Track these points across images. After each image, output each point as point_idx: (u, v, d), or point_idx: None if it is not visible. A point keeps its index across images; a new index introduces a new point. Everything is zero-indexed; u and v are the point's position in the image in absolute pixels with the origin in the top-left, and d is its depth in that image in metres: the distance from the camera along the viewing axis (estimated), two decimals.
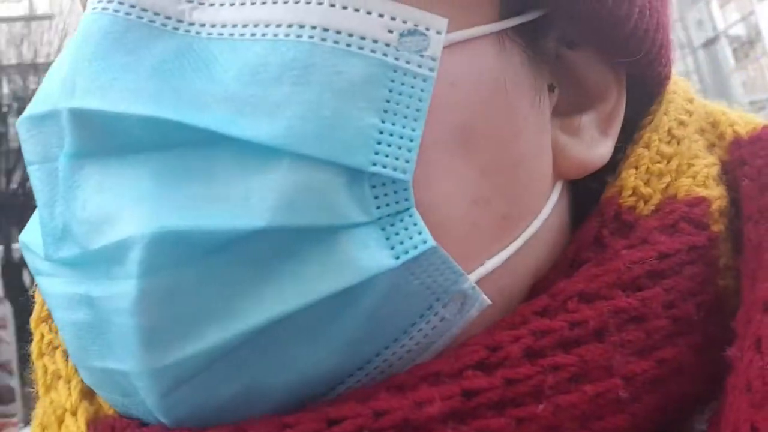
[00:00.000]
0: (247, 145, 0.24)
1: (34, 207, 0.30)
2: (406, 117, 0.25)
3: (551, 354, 0.27)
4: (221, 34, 0.26)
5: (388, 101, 0.25)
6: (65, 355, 0.32)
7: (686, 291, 0.29)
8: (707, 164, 0.33)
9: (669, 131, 0.33)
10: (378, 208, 0.25)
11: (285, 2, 0.26)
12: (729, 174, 0.34)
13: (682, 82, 0.37)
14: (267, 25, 0.26)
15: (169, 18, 0.27)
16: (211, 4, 0.27)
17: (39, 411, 0.34)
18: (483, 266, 0.28)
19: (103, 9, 0.26)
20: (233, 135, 0.24)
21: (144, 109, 0.25)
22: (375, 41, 0.25)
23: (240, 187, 0.24)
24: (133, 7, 0.26)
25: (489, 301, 0.27)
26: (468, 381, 0.26)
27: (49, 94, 0.26)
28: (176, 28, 0.27)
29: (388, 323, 0.26)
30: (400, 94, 0.25)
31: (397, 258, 0.25)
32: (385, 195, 0.25)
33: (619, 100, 0.32)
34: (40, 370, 0.33)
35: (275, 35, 0.25)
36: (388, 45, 0.25)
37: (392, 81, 0.25)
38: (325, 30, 0.25)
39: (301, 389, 0.26)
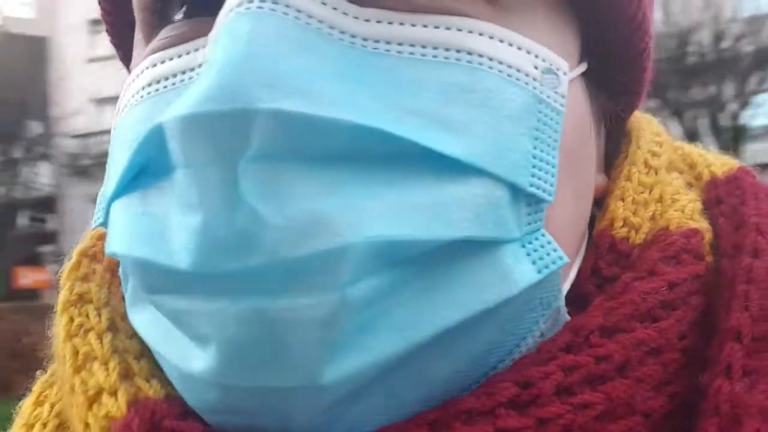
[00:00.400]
0: (437, 158, 0.25)
1: None
2: (549, 145, 0.28)
3: (580, 391, 0.27)
4: (388, 51, 0.27)
5: (537, 129, 0.28)
6: (100, 337, 0.32)
7: (693, 321, 0.30)
8: (691, 199, 0.35)
9: (645, 163, 0.36)
10: (527, 225, 0.28)
11: (448, 28, 0.27)
12: (707, 212, 0.35)
13: (645, 116, 0.40)
14: (435, 47, 0.27)
15: (333, 28, 0.27)
16: (378, 21, 0.27)
17: (28, 407, 0.36)
18: (565, 284, 0.31)
19: (271, 10, 0.26)
20: (431, 147, 0.25)
21: (351, 116, 0.24)
22: (527, 75, 0.28)
23: (435, 198, 0.25)
24: (299, 12, 0.26)
25: (568, 318, 0.30)
26: (501, 420, 0.26)
27: (227, 92, 0.24)
28: (342, 39, 0.27)
29: (511, 335, 0.28)
30: (545, 125, 0.28)
31: (539, 272, 0.27)
32: (529, 214, 0.28)
33: (602, 133, 0.36)
34: (69, 350, 0.32)
35: (446, 58, 0.27)
36: (535, 80, 0.28)
37: (539, 112, 0.28)
38: (491, 59, 0.27)
39: (427, 403, 0.27)
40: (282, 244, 0.23)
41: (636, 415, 0.28)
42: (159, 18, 0.32)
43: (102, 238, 0.38)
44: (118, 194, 0.30)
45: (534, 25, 0.30)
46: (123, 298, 0.34)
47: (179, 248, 0.25)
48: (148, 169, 0.29)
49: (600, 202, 0.35)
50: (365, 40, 0.27)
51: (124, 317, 0.33)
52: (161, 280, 0.27)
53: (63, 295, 0.35)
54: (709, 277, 0.32)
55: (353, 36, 0.27)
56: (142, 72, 0.31)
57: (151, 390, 0.30)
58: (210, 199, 0.24)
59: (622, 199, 0.34)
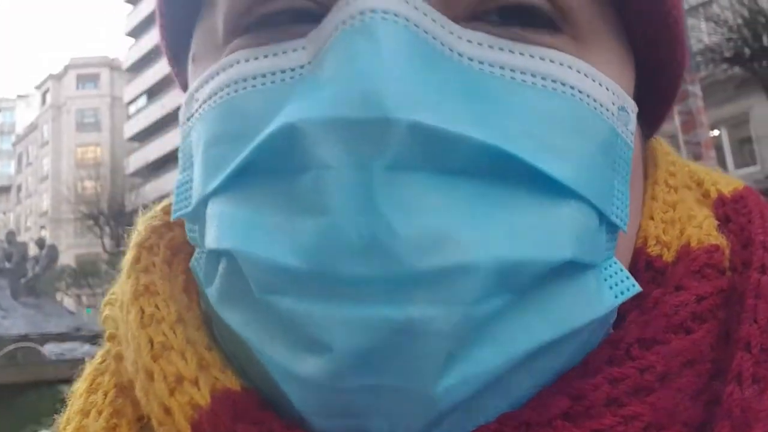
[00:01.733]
0: (545, 180, 0.27)
1: None
2: (623, 177, 0.31)
3: (628, 402, 0.28)
4: (493, 73, 0.28)
5: (614, 162, 0.30)
6: (172, 328, 0.33)
7: (721, 334, 0.32)
8: (706, 215, 0.36)
9: (666, 182, 0.38)
10: (605, 251, 0.30)
11: (542, 59, 0.29)
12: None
13: (656, 139, 0.41)
14: (534, 75, 0.29)
15: (443, 45, 0.28)
16: (479, 44, 0.29)
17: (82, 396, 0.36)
18: None
19: (395, 21, 0.26)
20: (544, 170, 0.27)
21: (479, 135, 0.26)
22: (608, 110, 0.30)
23: (546, 220, 0.27)
24: (416, 26, 0.27)
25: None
26: None
27: (367, 99, 0.25)
28: (451, 57, 0.28)
29: (583, 352, 0.30)
30: (621, 158, 0.31)
31: (616, 297, 0.30)
32: (608, 241, 0.30)
33: None
34: (144, 339, 0.33)
35: (544, 86, 0.29)
36: (613, 115, 0.31)
37: (617, 146, 0.31)
38: (581, 92, 0.29)
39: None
40: (411, 254, 0.24)
41: (677, 424, 0.29)
42: (248, 21, 0.32)
43: (155, 230, 0.39)
44: (221, 189, 0.29)
45: (607, 62, 0.32)
46: (183, 290, 0.36)
47: (304, 249, 0.25)
48: (260, 166, 0.28)
49: None
50: (471, 59, 0.28)
51: (188, 309, 0.35)
52: (278, 280, 0.26)
53: (131, 286, 0.36)
54: (730, 291, 0.34)
55: (461, 55, 0.28)
56: (231, 66, 0.31)
57: (228, 381, 0.31)
58: (340, 201, 0.25)
59: (652, 218, 0.36)
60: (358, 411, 0.27)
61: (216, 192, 0.30)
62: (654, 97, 0.38)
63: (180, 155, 0.34)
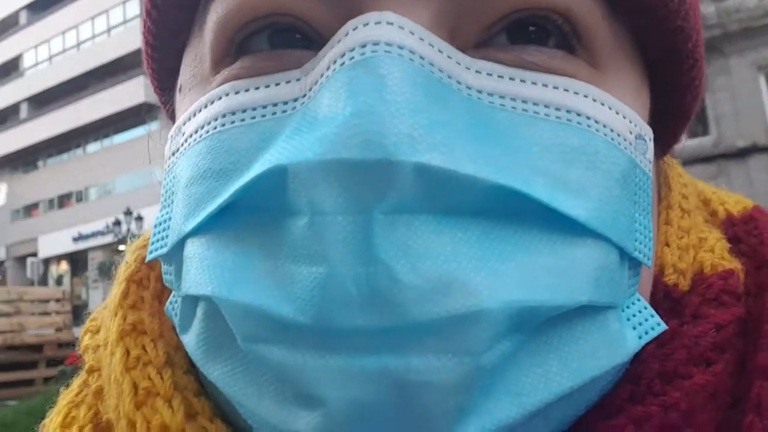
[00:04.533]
0: (560, 219, 0.25)
1: None
2: (644, 209, 0.29)
3: None
4: (504, 105, 0.27)
5: (635, 194, 0.28)
6: (159, 372, 0.31)
7: (739, 362, 0.31)
8: (717, 238, 0.35)
9: (680, 206, 0.36)
10: (628, 288, 0.28)
11: (555, 87, 0.27)
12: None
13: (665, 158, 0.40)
14: (547, 106, 0.27)
15: (451, 78, 0.26)
16: (489, 74, 0.27)
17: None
18: None
19: (399, 55, 0.25)
20: (558, 209, 0.25)
21: (488, 175, 0.24)
22: (625, 140, 0.28)
23: (560, 261, 0.25)
24: (422, 59, 0.25)
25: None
26: None
27: (367, 140, 0.23)
28: (460, 90, 0.26)
29: (601, 394, 0.28)
30: (640, 189, 0.29)
31: (640, 338, 0.28)
32: (630, 278, 0.28)
33: None
34: (127, 384, 0.31)
35: (558, 117, 0.27)
36: (631, 144, 0.29)
37: (636, 177, 0.29)
38: (597, 122, 0.28)
39: None
40: (416, 304, 0.22)
41: None
42: (236, 49, 0.30)
43: (145, 261, 0.37)
44: (201, 229, 0.28)
45: (624, 89, 0.30)
46: (173, 327, 0.33)
47: (299, 299, 0.23)
48: (246, 207, 0.26)
49: None
50: (480, 92, 0.27)
51: (177, 348, 0.33)
52: (268, 330, 0.25)
53: (117, 324, 0.34)
54: (745, 317, 0.32)
55: (469, 87, 0.26)
56: (220, 98, 0.29)
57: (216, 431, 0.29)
58: (338, 250, 0.23)
59: (668, 245, 0.34)
60: None
61: (195, 232, 0.28)
62: (668, 117, 0.35)
63: (162, 192, 0.32)
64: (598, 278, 0.26)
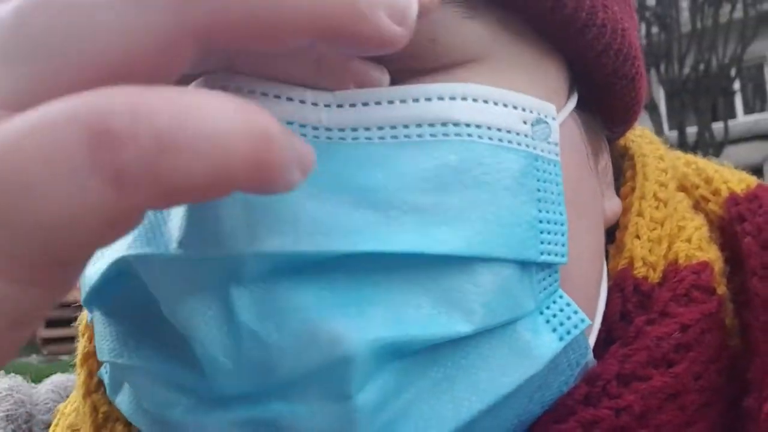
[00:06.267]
0: (432, 257, 0.24)
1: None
2: (553, 202, 0.27)
3: None
4: (369, 139, 0.24)
5: (539, 190, 0.26)
6: None
7: (708, 359, 0.30)
8: (696, 226, 0.34)
9: (655, 196, 0.35)
10: (540, 293, 0.26)
11: (428, 99, 0.25)
12: (725, 229, 0.35)
13: (644, 136, 0.39)
14: (419, 125, 0.25)
15: (303, 126, 0.24)
16: (352, 105, 0.25)
17: None
18: (593, 330, 0.30)
19: None
20: (430, 252, 0.24)
21: (337, 245, 0.23)
22: (518, 134, 0.26)
23: (438, 296, 0.24)
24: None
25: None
26: None
27: (205, 236, 0.23)
28: (316, 136, 0.24)
29: (539, 402, 0.28)
30: (545, 182, 0.26)
31: (561, 339, 0.27)
32: (543, 279, 0.27)
33: (608, 156, 0.36)
34: (89, 408, 0.32)
35: (432, 135, 0.25)
36: (527, 136, 0.26)
37: (537, 170, 0.26)
38: (478, 127, 0.25)
39: None
40: (287, 362, 0.23)
41: None
42: None
43: None
44: (93, 300, 0.28)
45: (510, 73, 0.28)
46: None
47: (190, 370, 0.25)
48: (126, 278, 0.26)
49: (609, 232, 0.34)
50: (341, 130, 0.24)
51: None
52: (169, 394, 0.26)
53: (81, 346, 0.34)
54: (723, 307, 0.32)
55: (328, 129, 0.24)
56: None
57: None
58: (205, 329, 0.23)
59: (638, 236, 0.33)
60: None
61: (92, 296, 0.28)
62: (608, 91, 0.33)
63: None
64: (488, 302, 0.25)
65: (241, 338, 0.23)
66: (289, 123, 0.24)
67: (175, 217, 0.24)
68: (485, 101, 0.26)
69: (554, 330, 0.27)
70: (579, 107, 0.32)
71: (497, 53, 0.28)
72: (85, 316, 0.36)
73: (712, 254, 0.33)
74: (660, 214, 0.34)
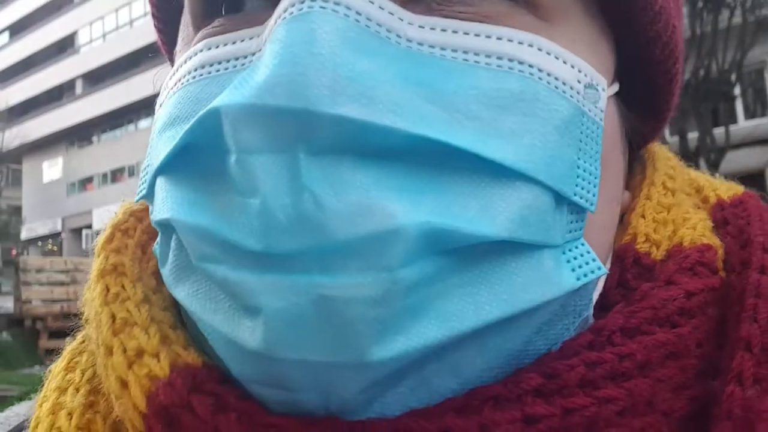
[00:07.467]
0: (488, 162, 0.26)
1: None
2: (591, 156, 0.30)
3: (603, 386, 0.28)
4: (444, 55, 0.28)
5: (580, 141, 0.29)
6: (137, 306, 0.33)
7: (709, 331, 0.32)
8: (701, 218, 0.37)
9: (663, 185, 0.38)
10: (567, 233, 0.29)
11: (499, 38, 0.29)
12: (716, 231, 0.37)
13: (655, 142, 0.42)
14: (488, 56, 0.28)
15: (390, 32, 0.27)
16: (432, 28, 0.28)
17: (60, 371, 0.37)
18: (594, 294, 0.32)
19: (333, 11, 0.26)
20: (482, 155, 0.26)
21: (407, 125, 0.25)
22: (571, 88, 0.29)
23: (484, 199, 0.26)
24: (359, 14, 0.27)
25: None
26: (528, 407, 0.27)
27: (288, 89, 0.25)
28: (398, 42, 0.28)
29: (544, 339, 0.30)
30: (587, 137, 0.30)
31: (578, 279, 0.29)
32: (571, 222, 0.29)
33: (626, 153, 0.38)
34: (106, 315, 0.33)
35: (499, 66, 0.28)
36: (578, 93, 0.30)
37: (582, 124, 0.30)
38: (540, 70, 0.29)
39: (457, 395, 0.28)
40: (340, 226, 0.24)
41: (656, 413, 0.29)
42: (211, 8, 0.34)
43: (134, 214, 0.41)
44: (165, 168, 0.31)
45: (575, 40, 0.31)
46: (152, 273, 0.37)
47: (240, 225, 0.26)
48: (199, 146, 0.29)
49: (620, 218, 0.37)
50: (420, 44, 0.28)
51: (156, 291, 0.35)
52: (215, 250, 0.27)
53: (98, 264, 0.36)
54: (722, 290, 0.33)
55: (409, 40, 0.28)
56: (196, 54, 0.33)
57: (190, 357, 0.31)
58: (269, 184, 0.25)
59: (643, 216, 0.36)
60: (291, 384, 0.27)
61: (161, 171, 0.31)
62: (649, 85, 0.37)
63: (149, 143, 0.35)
64: (525, 217, 0.27)
65: (302, 199, 0.24)
66: (389, 31, 0.27)
67: (264, 70, 0.26)
68: (548, 53, 0.29)
69: (573, 270, 0.29)
70: (620, 98, 0.35)
71: (569, 21, 0.32)
72: (108, 234, 0.38)
73: (716, 241, 0.35)
74: (667, 200, 0.37)
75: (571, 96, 0.29)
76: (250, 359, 0.27)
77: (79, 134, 29.38)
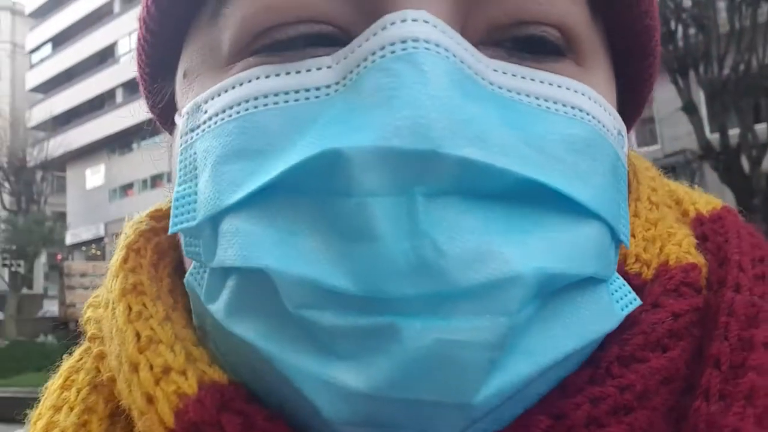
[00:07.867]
0: (569, 202, 0.28)
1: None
2: (624, 198, 0.32)
3: (607, 423, 0.29)
4: (521, 101, 0.30)
5: (619, 183, 0.32)
6: (161, 324, 0.34)
7: (695, 351, 0.33)
8: (685, 234, 0.38)
9: (648, 199, 0.39)
10: (613, 265, 0.31)
11: (559, 86, 0.31)
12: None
13: (631, 151, 0.43)
14: (555, 102, 0.30)
15: (476, 74, 0.29)
16: (504, 73, 0.30)
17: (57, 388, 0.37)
18: None
19: (437, 52, 0.27)
20: (571, 195, 0.28)
21: (517, 167, 0.27)
22: (612, 135, 0.32)
23: (573, 237, 0.28)
24: (455, 56, 0.28)
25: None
26: None
27: (418, 132, 0.25)
28: (485, 86, 0.29)
29: (581, 361, 0.31)
30: (622, 180, 0.32)
31: (623, 310, 0.31)
32: (614, 257, 0.32)
33: None
34: (130, 333, 0.33)
35: (565, 113, 0.30)
36: (614, 138, 0.32)
37: (619, 168, 0.32)
38: (594, 117, 0.31)
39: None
40: (459, 271, 0.25)
41: None
42: (261, 42, 0.32)
43: (143, 234, 0.41)
44: (241, 206, 0.29)
45: (603, 84, 0.34)
46: (169, 291, 0.37)
47: (353, 272, 0.26)
48: (290, 187, 0.28)
49: None
50: (501, 89, 0.30)
51: (175, 309, 0.36)
52: (321, 299, 0.27)
53: (119, 284, 0.36)
54: (705, 309, 0.34)
55: (491, 84, 0.29)
56: (250, 81, 0.30)
57: (216, 374, 0.31)
58: (388, 227, 0.25)
59: (633, 235, 0.37)
60: (390, 423, 0.27)
61: (233, 209, 0.29)
62: (627, 108, 0.39)
63: (180, 166, 0.33)
64: (600, 254, 0.29)
65: (422, 244, 0.25)
66: (476, 74, 0.29)
67: (382, 111, 0.26)
68: (595, 101, 0.32)
69: (617, 302, 0.31)
70: None
71: (599, 64, 0.35)
72: (123, 255, 0.39)
73: (700, 259, 0.36)
74: (653, 215, 0.38)
75: (613, 142, 0.32)
76: (349, 399, 0.26)
77: (120, 141, 29.98)
